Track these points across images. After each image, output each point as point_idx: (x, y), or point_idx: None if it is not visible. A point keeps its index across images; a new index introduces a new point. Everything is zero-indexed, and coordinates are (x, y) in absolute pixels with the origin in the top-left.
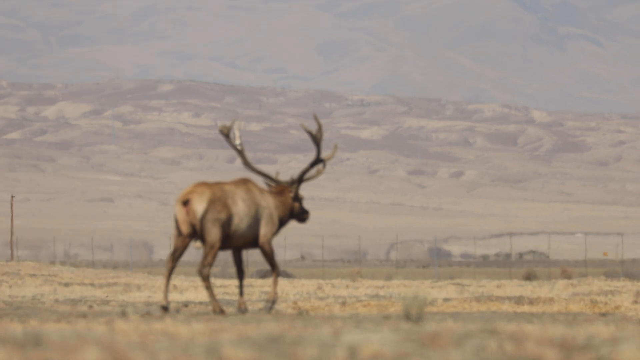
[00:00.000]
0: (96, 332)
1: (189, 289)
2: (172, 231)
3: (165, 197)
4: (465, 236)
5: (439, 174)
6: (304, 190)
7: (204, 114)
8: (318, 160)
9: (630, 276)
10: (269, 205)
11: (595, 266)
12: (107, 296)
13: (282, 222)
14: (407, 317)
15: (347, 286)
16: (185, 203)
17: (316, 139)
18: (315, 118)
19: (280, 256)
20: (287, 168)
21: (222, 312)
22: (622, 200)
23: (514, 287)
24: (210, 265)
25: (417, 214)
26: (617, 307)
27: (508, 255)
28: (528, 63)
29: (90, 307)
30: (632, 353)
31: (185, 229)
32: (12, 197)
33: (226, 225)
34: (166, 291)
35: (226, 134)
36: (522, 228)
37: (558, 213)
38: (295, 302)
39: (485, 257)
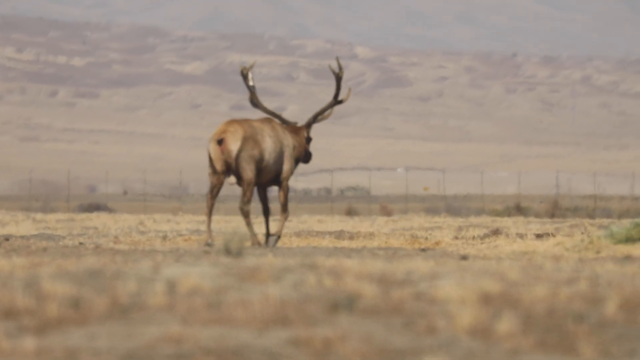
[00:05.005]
0: None
1: (10, 223)
2: (207, 169)
3: None
4: None
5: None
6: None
7: (27, 48)
8: (337, 102)
9: (452, 212)
10: (289, 144)
11: (416, 201)
12: None
13: (296, 161)
14: (227, 251)
15: (169, 221)
16: (220, 142)
17: (338, 80)
18: (337, 60)
19: (101, 190)
20: (108, 102)
21: (260, 245)
22: (444, 136)
23: (335, 223)
24: (249, 201)
25: None
26: (437, 243)
27: (329, 191)
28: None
29: None
30: (450, 288)
31: (220, 167)
32: None
33: (259, 161)
34: (209, 228)
35: (246, 74)
36: (344, 163)
37: (380, 148)
38: (116, 237)
39: (306, 193)
